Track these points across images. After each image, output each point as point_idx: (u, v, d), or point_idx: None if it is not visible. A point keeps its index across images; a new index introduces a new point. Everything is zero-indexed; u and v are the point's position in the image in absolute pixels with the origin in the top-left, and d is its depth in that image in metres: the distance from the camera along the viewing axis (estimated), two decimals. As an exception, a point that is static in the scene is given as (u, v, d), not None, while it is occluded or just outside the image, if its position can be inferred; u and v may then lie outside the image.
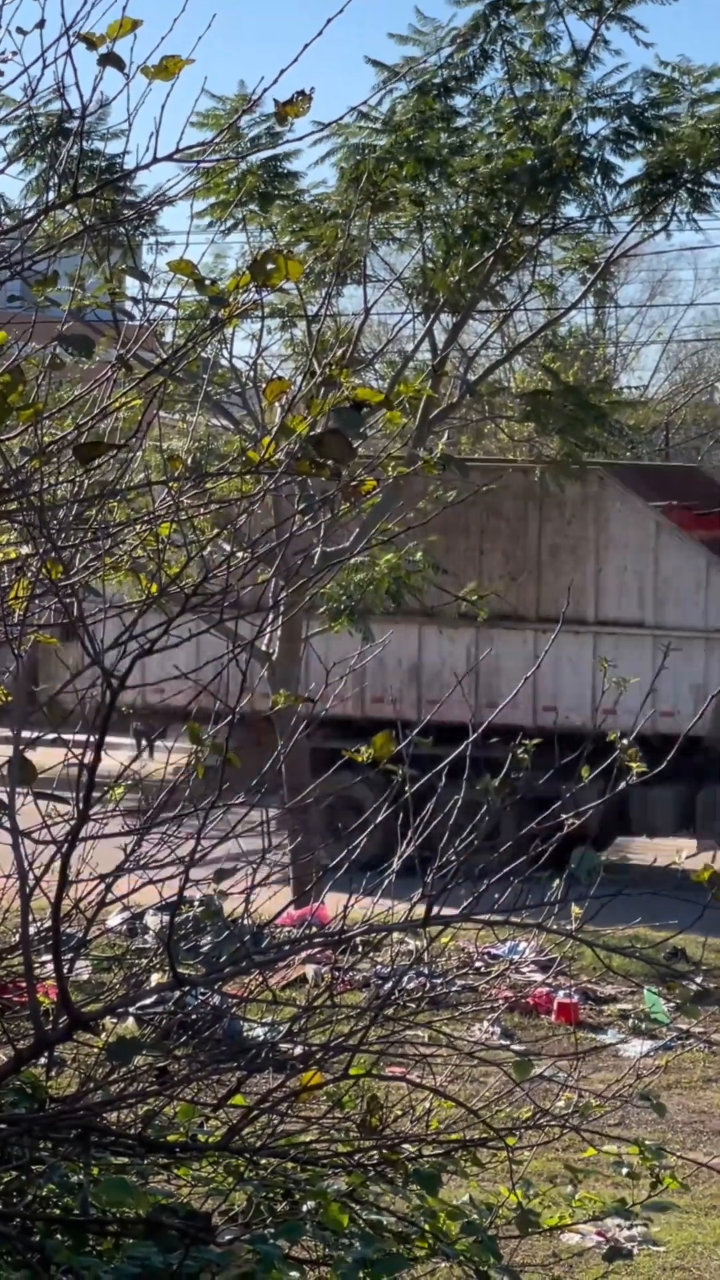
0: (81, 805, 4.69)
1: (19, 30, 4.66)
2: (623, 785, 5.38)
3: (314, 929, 8.31)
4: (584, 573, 21.65)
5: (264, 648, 17.28)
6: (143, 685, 4.95)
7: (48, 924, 4.90)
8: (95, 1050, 5.45)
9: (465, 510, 19.52)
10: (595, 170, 17.42)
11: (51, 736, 5.27)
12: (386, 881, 5.44)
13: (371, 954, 6.28)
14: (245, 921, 5.43)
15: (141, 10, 4.53)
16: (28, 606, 5.16)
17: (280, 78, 4.57)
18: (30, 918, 4.81)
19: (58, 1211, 4.81)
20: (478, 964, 14.34)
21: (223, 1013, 6.09)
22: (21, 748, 4.66)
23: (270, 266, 4.49)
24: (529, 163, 17.00)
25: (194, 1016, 5.86)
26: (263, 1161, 5.11)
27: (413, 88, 17.50)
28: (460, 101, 17.78)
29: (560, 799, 5.16)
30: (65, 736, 5.15)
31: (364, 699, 21.55)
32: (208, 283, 4.61)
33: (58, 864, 4.77)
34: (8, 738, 4.73)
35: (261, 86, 4.61)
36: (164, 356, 4.98)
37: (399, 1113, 5.59)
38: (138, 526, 5.24)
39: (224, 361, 18.43)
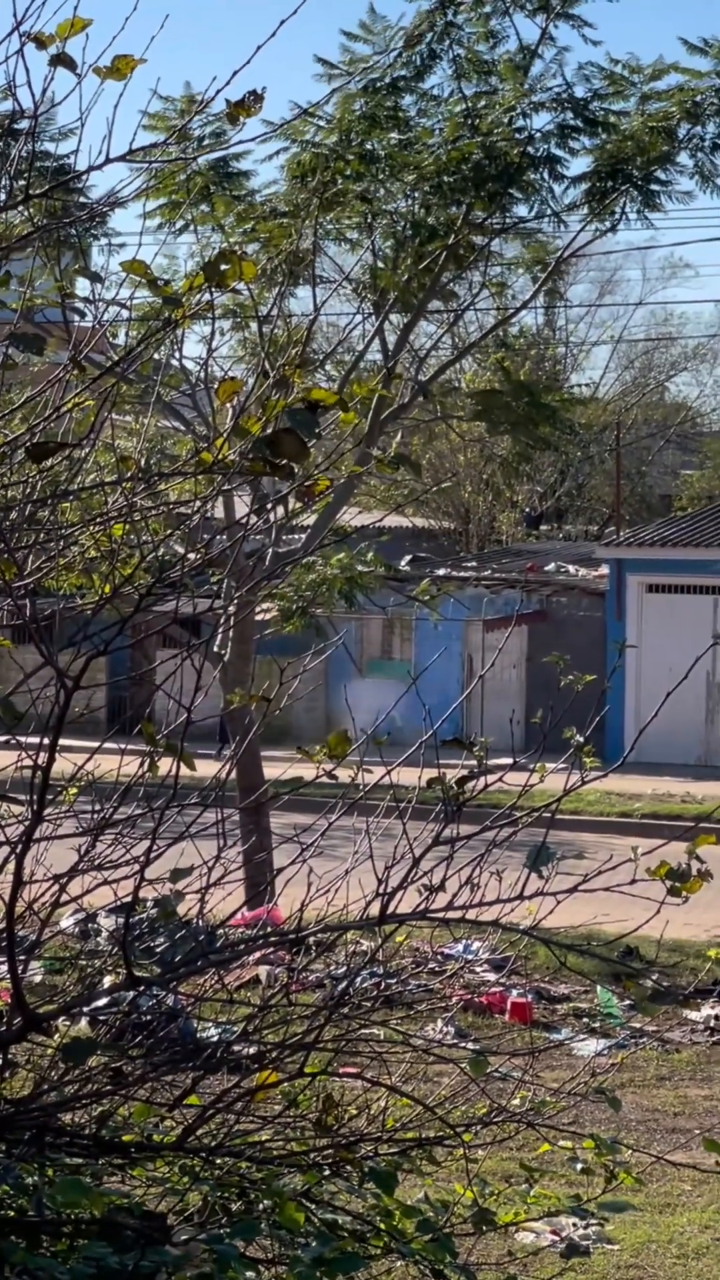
0: (36, 806, 4.69)
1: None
2: None
3: (268, 929, 8.31)
4: None
5: (216, 649, 17.25)
6: (94, 685, 4.95)
7: (1, 925, 4.89)
8: (49, 1051, 5.44)
9: None
10: (541, 165, 17.37)
11: (4, 738, 5.26)
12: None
13: (326, 954, 6.28)
14: (199, 922, 5.42)
15: (93, 9, 4.52)
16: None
17: (233, 79, 4.58)
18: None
19: (12, 1213, 4.79)
20: (432, 964, 14.35)
21: (177, 1013, 6.08)
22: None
23: (224, 267, 4.49)
24: (473, 156, 16.95)
25: (148, 1017, 5.84)
26: (218, 1161, 5.11)
27: (360, 86, 17.46)
28: (407, 100, 17.75)
29: None
30: (19, 738, 5.14)
31: None
32: (160, 283, 4.61)
33: (12, 865, 4.77)
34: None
35: (214, 87, 4.62)
36: (116, 358, 4.98)
37: (354, 1111, 5.60)
38: (91, 527, 5.23)
39: (175, 363, 18.37)
